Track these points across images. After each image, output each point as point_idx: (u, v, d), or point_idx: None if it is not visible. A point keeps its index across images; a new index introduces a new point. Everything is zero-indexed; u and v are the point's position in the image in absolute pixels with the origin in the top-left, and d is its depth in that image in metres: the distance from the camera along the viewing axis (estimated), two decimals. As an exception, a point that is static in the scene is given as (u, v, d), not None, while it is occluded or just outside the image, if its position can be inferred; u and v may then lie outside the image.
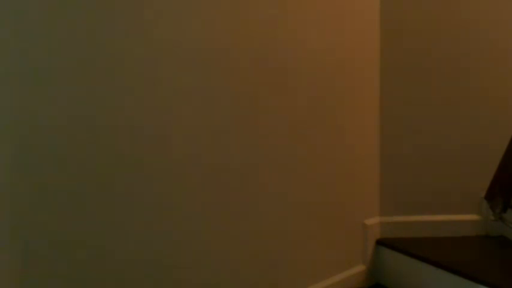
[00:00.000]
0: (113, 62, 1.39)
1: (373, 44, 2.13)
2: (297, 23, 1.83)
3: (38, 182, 1.29)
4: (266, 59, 1.74)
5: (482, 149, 2.16)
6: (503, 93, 2.18)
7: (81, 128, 1.34)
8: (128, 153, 1.44)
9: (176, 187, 1.55)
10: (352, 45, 2.05)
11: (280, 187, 1.84)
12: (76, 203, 1.36)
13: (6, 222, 1.25)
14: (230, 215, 1.70)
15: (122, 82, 1.41)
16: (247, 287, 1.77)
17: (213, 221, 1.65)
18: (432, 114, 2.20)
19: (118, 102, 1.41)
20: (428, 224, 2.21)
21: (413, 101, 2.19)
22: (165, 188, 1.52)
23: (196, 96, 1.57)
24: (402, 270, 2.13)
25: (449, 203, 2.22)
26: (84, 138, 1.35)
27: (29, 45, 1.24)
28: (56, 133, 1.31)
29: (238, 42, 1.66)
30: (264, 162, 1.78)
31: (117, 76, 1.40)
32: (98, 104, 1.37)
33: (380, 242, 2.21)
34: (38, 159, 1.28)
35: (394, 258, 2.16)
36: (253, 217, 1.76)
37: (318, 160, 1.97)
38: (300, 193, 1.91)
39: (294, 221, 1.90)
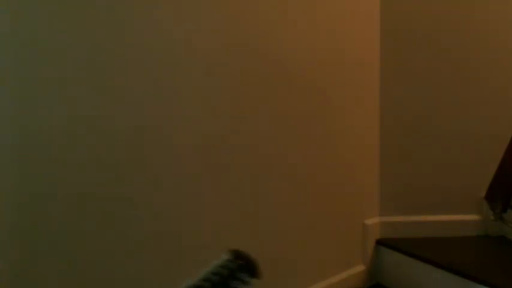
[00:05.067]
0: (113, 63, 1.39)
1: (373, 44, 2.13)
2: (298, 23, 1.83)
3: (37, 182, 1.29)
4: (267, 58, 1.74)
5: (482, 149, 2.16)
6: (504, 93, 2.17)
7: (81, 128, 1.34)
8: (128, 153, 1.44)
9: (176, 187, 1.55)
10: (353, 45, 2.05)
11: (280, 187, 1.84)
12: (76, 203, 1.35)
13: (6, 223, 1.25)
14: (230, 215, 1.70)
15: (122, 83, 1.41)
16: (247, 287, 1.77)
17: (212, 221, 1.65)
18: (432, 114, 2.20)
19: (118, 103, 1.40)
20: (428, 224, 2.21)
21: (414, 101, 2.19)
22: (164, 188, 1.52)
23: (197, 96, 1.57)
24: (402, 270, 2.13)
25: (449, 203, 2.22)
26: (84, 139, 1.35)
27: (29, 46, 1.24)
28: (56, 134, 1.31)
29: (239, 42, 1.66)
30: (264, 162, 1.78)
31: (118, 77, 1.40)
32: (99, 105, 1.37)
33: (380, 242, 2.21)
34: (38, 159, 1.28)
35: (394, 258, 2.16)
36: (253, 217, 1.76)
37: (318, 160, 1.97)
38: (299, 193, 1.91)
39: (293, 220, 1.90)
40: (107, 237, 1.42)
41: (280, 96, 1.80)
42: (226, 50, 1.63)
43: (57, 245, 1.33)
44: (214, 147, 1.63)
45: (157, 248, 1.52)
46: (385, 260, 2.20)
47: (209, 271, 0.96)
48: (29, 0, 1.23)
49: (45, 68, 1.27)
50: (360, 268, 2.17)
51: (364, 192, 2.19)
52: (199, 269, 1.53)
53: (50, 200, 1.31)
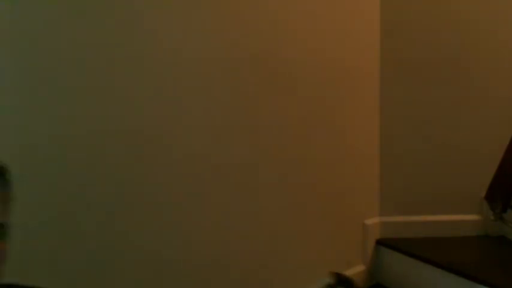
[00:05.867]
0: (114, 64, 1.38)
1: (373, 44, 2.13)
2: (298, 24, 1.83)
3: (38, 183, 1.29)
4: (267, 59, 1.74)
5: (482, 149, 2.16)
6: (503, 94, 2.17)
7: (81, 129, 1.34)
8: (129, 154, 1.44)
9: (175, 187, 1.55)
10: (353, 45, 2.05)
11: (280, 187, 1.84)
12: (76, 204, 1.35)
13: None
14: (230, 215, 1.69)
15: (123, 83, 1.41)
16: (247, 286, 1.77)
17: (212, 221, 1.65)
18: (432, 114, 2.20)
19: (119, 103, 1.40)
20: (428, 224, 2.22)
21: (413, 101, 2.19)
22: (164, 188, 1.52)
23: (197, 97, 1.57)
24: (402, 270, 2.13)
25: (449, 203, 2.22)
26: (84, 139, 1.35)
27: (29, 46, 1.24)
28: (56, 134, 1.31)
29: (240, 43, 1.66)
30: (264, 163, 1.78)
31: (119, 78, 1.40)
32: (99, 105, 1.37)
33: (380, 242, 2.21)
34: (39, 160, 1.28)
35: (394, 258, 2.16)
36: (253, 217, 1.76)
37: (318, 160, 1.97)
38: (300, 193, 1.91)
39: (293, 221, 1.90)
40: (107, 237, 1.42)
41: (280, 96, 1.80)
42: (228, 53, 1.63)
43: (56, 246, 1.33)
44: (215, 147, 1.63)
45: (157, 246, 1.52)
46: (385, 260, 2.20)
47: None
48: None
49: (44, 68, 1.27)
50: (360, 268, 2.17)
51: (364, 192, 2.19)
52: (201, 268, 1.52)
53: (49, 201, 1.31)
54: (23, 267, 1.28)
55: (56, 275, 1.34)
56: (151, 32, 1.45)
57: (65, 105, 1.31)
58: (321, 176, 1.98)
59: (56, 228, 1.33)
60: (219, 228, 1.67)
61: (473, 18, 2.15)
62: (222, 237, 1.68)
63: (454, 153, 2.20)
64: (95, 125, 1.37)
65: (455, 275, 1.90)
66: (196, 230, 1.61)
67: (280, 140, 1.82)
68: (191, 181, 1.58)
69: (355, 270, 2.14)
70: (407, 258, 2.10)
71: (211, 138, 1.62)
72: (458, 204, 2.22)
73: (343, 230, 2.11)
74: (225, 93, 1.64)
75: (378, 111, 2.17)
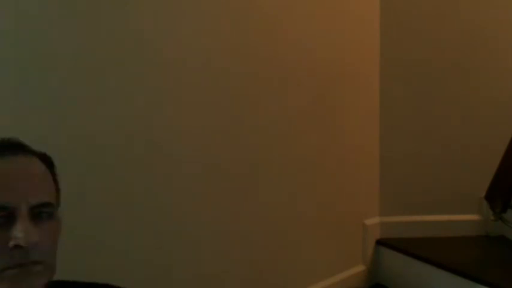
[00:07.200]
0: (110, 63, 1.38)
1: (373, 44, 2.13)
2: (297, 24, 1.83)
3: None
4: (266, 59, 1.74)
5: (482, 149, 2.16)
6: (503, 94, 2.18)
7: (80, 129, 1.34)
8: (128, 154, 1.43)
9: (176, 188, 1.55)
10: (353, 45, 2.05)
11: (280, 187, 1.84)
12: (76, 204, 1.35)
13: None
14: (230, 215, 1.69)
15: (120, 83, 1.40)
16: (247, 286, 1.77)
17: (212, 221, 1.65)
18: (432, 114, 2.20)
19: (119, 104, 1.40)
20: (428, 224, 2.22)
21: (413, 101, 2.19)
22: (163, 189, 1.52)
23: (196, 97, 1.57)
24: (402, 270, 2.13)
25: (449, 203, 2.22)
26: (82, 139, 1.35)
27: (28, 45, 1.24)
28: (54, 134, 1.30)
29: (238, 42, 1.66)
30: (264, 163, 1.78)
31: (115, 77, 1.40)
32: (97, 105, 1.37)
33: (380, 242, 2.21)
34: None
35: (394, 258, 2.16)
36: (253, 217, 1.76)
37: (318, 160, 1.97)
38: (299, 193, 1.91)
39: (294, 220, 1.90)
40: (106, 234, 1.42)
41: (281, 96, 1.80)
42: (227, 52, 1.63)
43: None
44: (214, 147, 1.63)
45: (156, 246, 1.52)
46: (385, 260, 2.20)
47: None
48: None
49: (43, 67, 1.27)
50: (360, 268, 2.17)
51: (364, 192, 2.19)
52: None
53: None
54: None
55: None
56: (152, 32, 1.45)
57: (64, 106, 1.31)
58: (321, 176, 1.98)
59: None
60: (220, 228, 1.67)
61: (473, 18, 2.15)
62: (222, 237, 1.68)
63: (454, 153, 2.21)
64: (93, 124, 1.36)
65: (455, 275, 1.90)
66: (197, 230, 1.61)
67: (281, 140, 1.82)
68: (191, 182, 1.58)
69: (355, 270, 2.14)
70: (407, 258, 2.10)
71: (211, 139, 1.62)
72: (458, 204, 2.22)
73: (343, 230, 2.11)
74: (224, 93, 1.64)
75: (377, 111, 2.17)
